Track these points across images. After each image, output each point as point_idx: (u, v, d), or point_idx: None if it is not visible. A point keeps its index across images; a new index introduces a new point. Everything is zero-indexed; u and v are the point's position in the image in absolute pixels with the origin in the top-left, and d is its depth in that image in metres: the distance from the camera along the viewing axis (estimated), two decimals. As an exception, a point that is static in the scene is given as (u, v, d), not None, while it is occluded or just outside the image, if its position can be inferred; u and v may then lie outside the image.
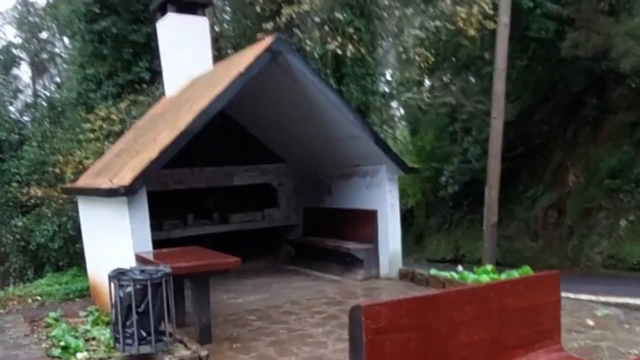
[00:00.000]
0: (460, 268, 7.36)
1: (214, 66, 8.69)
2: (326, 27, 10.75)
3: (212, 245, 9.45)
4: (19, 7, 30.97)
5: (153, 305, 4.25)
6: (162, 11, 9.27)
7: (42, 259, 17.29)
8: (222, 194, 9.56)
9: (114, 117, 12.55)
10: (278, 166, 9.74)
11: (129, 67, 15.83)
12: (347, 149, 7.87)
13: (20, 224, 15.83)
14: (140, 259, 5.57)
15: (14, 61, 28.53)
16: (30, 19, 28.91)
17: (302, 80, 6.82)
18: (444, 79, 13.15)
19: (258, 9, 11.56)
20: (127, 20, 15.76)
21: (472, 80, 13.86)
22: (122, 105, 13.28)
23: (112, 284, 4.23)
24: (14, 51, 28.02)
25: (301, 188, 9.73)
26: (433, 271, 7.52)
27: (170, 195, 8.88)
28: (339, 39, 10.41)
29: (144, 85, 14.44)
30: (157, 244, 6.15)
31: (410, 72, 12.22)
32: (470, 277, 7.08)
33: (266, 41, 6.58)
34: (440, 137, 25.07)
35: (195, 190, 9.17)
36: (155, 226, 7.08)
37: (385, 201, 7.75)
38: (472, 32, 13.73)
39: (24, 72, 30.56)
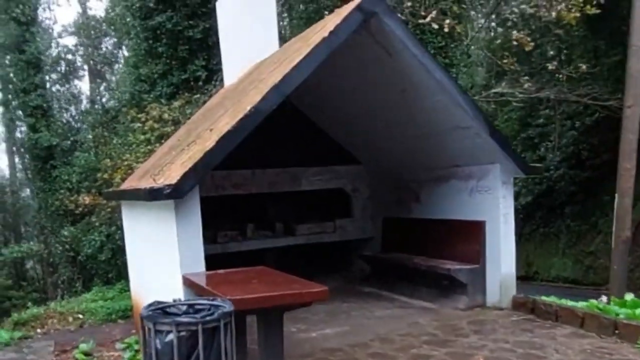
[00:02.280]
0: (604, 298, 5.58)
1: (282, 47, 7.28)
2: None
3: (274, 260, 8.17)
4: (79, 17, 31.03)
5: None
6: (223, -12, 7.99)
7: (90, 270, 16.48)
8: (287, 200, 8.11)
9: (166, 116, 11.37)
10: (353, 168, 8.20)
11: (184, 65, 14.81)
12: (447, 144, 6.26)
13: (67, 233, 14.91)
14: (189, 283, 4.14)
15: (73, 70, 28.48)
16: (92, 31, 28.87)
17: (400, 53, 5.28)
18: (549, 66, 11.33)
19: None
20: (184, 15, 14.76)
21: (583, 67, 11.88)
22: (176, 104, 12.12)
23: (146, 328, 2.78)
24: (71, 58, 27.87)
25: (380, 194, 8.15)
26: (564, 301, 5.77)
27: (226, 202, 7.49)
28: (434, 11, 8.80)
29: (200, 84, 13.31)
30: (209, 259, 4.73)
31: (501, 62, 10.52)
32: (621, 310, 5.31)
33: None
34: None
35: (255, 196, 7.75)
36: (208, 238, 5.70)
37: (496, 210, 6.07)
38: (571, 16, 11.93)
39: (83, 81, 30.57)
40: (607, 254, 18.78)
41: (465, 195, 6.50)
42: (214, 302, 3.00)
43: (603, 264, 18.72)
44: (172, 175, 4.64)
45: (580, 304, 5.57)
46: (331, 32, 4.74)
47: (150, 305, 2.92)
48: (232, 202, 7.58)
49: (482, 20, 10.89)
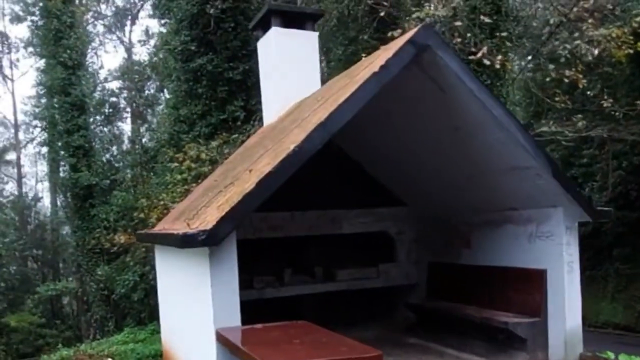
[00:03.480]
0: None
1: (325, 85, 7.01)
2: (468, 34, 8.84)
3: (312, 307, 7.71)
4: (125, 62, 32.00)
5: None
6: (265, 27, 7.84)
7: (123, 310, 16.27)
8: (327, 244, 7.68)
9: (204, 156, 11.20)
10: (397, 210, 7.75)
11: (223, 106, 14.79)
12: (502, 185, 5.79)
13: (100, 272, 14.79)
14: (223, 340, 3.74)
15: (116, 112, 29.20)
16: (135, 75, 29.73)
17: (454, 88, 4.91)
18: (605, 103, 10.77)
19: (382, 13, 9.78)
20: (224, 57, 14.82)
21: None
22: (214, 144, 11.97)
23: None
24: (115, 100, 28.57)
25: (426, 238, 7.66)
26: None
27: (263, 245, 7.13)
28: (485, 47, 8.43)
29: (238, 124, 13.19)
30: (244, 305, 4.32)
31: (552, 99, 10.03)
32: None
33: (408, 33, 4.75)
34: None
35: (294, 239, 7.37)
36: (244, 283, 5.30)
37: (559, 258, 5.52)
38: (621, 54, 11.44)
39: (126, 123, 31.28)
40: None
41: (523, 241, 5.97)
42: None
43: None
44: (207, 219, 4.31)
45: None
46: (382, 67, 4.41)
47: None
48: (269, 245, 7.22)
49: (529, 57, 10.49)
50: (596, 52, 11.23)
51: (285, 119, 6.61)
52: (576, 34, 10.77)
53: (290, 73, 7.42)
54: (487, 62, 8.53)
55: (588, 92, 14.86)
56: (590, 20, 11.34)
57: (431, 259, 7.54)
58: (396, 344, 7.01)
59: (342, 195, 7.50)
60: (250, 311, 4.46)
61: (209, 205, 4.86)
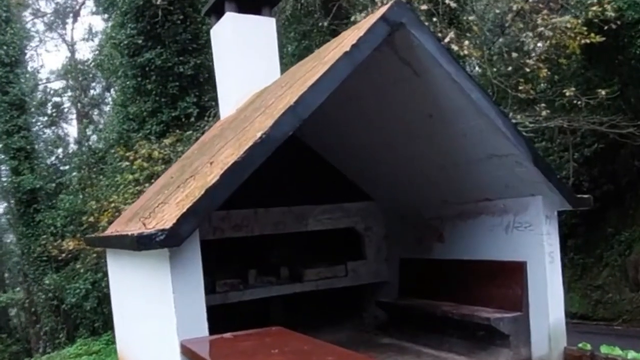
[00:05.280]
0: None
1: (288, 71, 6.59)
2: (434, 18, 8.57)
3: (280, 309, 7.29)
4: (68, 61, 30.60)
5: None
6: (218, 13, 7.34)
7: (75, 320, 15.40)
8: (292, 242, 7.27)
9: (156, 154, 10.58)
10: (365, 205, 7.40)
11: (174, 102, 14.14)
12: (477, 175, 5.51)
13: (49, 281, 13.93)
14: (188, 353, 3.28)
15: (60, 113, 27.90)
16: (79, 75, 28.45)
17: (429, 71, 4.58)
18: (567, 93, 10.74)
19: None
20: (173, 51, 14.18)
21: (603, 92, 11.33)
22: (167, 141, 11.36)
23: None
24: (58, 100, 27.29)
25: (396, 234, 7.35)
26: (631, 354, 4.94)
27: (225, 246, 6.64)
28: (452, 32, 8.17)
29: (192, 119, 12.60)
30: (207, 311, 3.86)
31: (515, 90, 9.92)
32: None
33: (380, 10, 4.38)
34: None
35: (258, 239, 6.91)
36: (206, 287, 4.82)
37: (539, 249, 5.29)
38: (575, 45, 11.49)
39: (71, 124, 29.93)
40: (615, 287, 18.13)
41: (499, 233, 5.72)
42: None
43: (612, 298, 18.01)
44: (165, 218, 3.83)
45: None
46: (354, 46, 4.03)
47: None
48: (231, 245, 6.74)
49: (489, 46, 10.41)
50: (541, 44, 11.22)
51: (246, 109, 6.15)
52: (529, 25, 10.74)
53: (248, 61, 6.96)
54: (455, 47, 8.30)
55: (542, 84, 14.99)
56: (544, 11, 11.36)
57: (402, 255, 7.22)
58: (370, 345, 6.68)
59: (307, 190, 7.10)
60: (214, 317, 4.00)
61: (166, 202, 4.36)
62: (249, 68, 6.94)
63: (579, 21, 11.36)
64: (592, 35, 11.67)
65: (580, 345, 5.49)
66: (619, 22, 12.17)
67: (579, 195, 5.28)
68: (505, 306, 5.55)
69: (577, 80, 15.96)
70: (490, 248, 5.83)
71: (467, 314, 5.65)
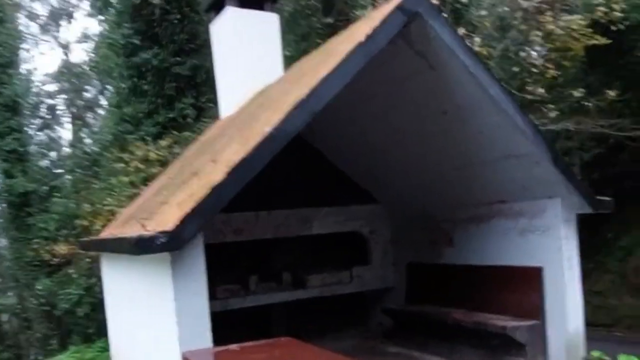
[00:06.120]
0: None
1: (293, 66, 6.33)
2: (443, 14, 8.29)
3: (282, 316, 7.02)
4: (62, 64, 30.22)
5: None
6: (218, 8, 7.07)
7: (68, 326, 15.01)
8: (296, 247, 7.01)
9: (153, 155, 10.28)
10: (371, 208, 7.14)
11: (171, 103, 13.80)
12: (492, 177, 5.26)
13: (40, 287, 13.56)
14: (193, 367, 2.99)
15: (54, 116, 27.54)
16: (74, 77, 28.07)
17: (445, 64, 4.33)
18: (576, 94, 10.53)
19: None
20: (170, 51, 13.83)
21: (611, 93, 11.11)
22: (164, 143, 11.06)
23: None
24: (52, 102, 26.94)
25: (403, 238, 7.09)
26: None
27: (226, 250, 6.37)
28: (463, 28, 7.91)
29: (189, 120, 12.31)
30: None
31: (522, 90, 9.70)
32: None
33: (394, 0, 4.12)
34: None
35: (259, 243, 6.64)
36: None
37: (557, 254, 5.03)
38: (579, 47, 11.28)
39: (66, 128, 29.53)
40: (615, 293, 17.95)
41: (513, 237, 5.47)
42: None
43: (612, 303, 17.82)
44: (166, 219, 3.56)
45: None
46: (369, 37, 3.78)
47: None
48: (232, 250, 6.47)
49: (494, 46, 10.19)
50: (547, 46, 11.01)
51: (248, 107, 5.88)
52: (537, 24, 10.51)
53: (250, 58, 6.69)
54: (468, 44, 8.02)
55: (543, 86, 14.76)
56: (549, 13, 11.14)
57: (410, 260, 6.97)
58: (376, 354, 6.42)
59: (310, 192, 6.84)
60: (213, 325, 3.72)
61: (166, 202, 4.08)
62: (250, 65, 6.67)
63: (584, 22, 11.15)
64: (597, 37, 11.46)
65: (597, 354, 5.25)
66: (626, 23, 11.95)
67: (599, 198, 5.02)
68: (520, 314, 5.29)
69: (578, 84, 15.80)
70: (503, 253, 5.58)
71: (480, 322, 5.38)
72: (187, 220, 3.17)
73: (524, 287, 5.32)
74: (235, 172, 3.31)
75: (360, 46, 3.74)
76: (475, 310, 5.72)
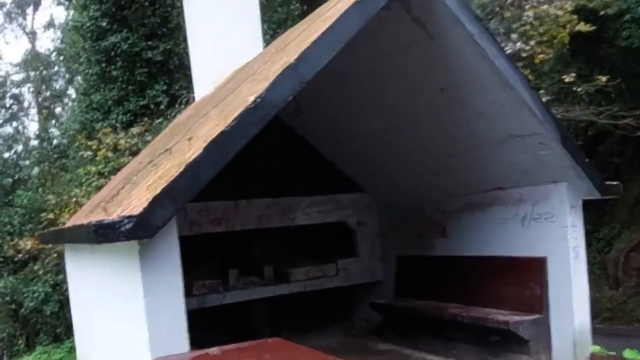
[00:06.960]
0: None
1: (275, 41, 5.85)
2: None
3: (264, 313, 6.56)
4: (28, 53, 29.13)
5: None
6: (192, -20, 6.56)
7: (35, 325, 14.31)
8: (278, 238, 6.54)
9: (123, 143, 9.69)
10: (358, 197, 6.72)
11: (142, 90, 13.20)
12: (492, 160, 4.87)
13: (2, 284, 12.88)
14: (166, 377, 2.51)
15: (20, 108, 26.55)
16: (40, 65, 27.07)
17: (446, 33, 3.91)
18: (567, 79, 10.28)
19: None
20: (141, 35, 13.22)
21: (603, 79, 10.89)
22: (134, 131, 10.47)
23: None
24: (17, 92, 25.92)
25: (392, 229, 6.68)
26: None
27: (202, 243, 5.86)
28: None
29: (162, 107, 11.73)
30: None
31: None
32: None
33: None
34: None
35: (239, 234, 6.16)
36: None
37: (562, 243, 4.66)
38: (564, 35, 11.07)
39: (33, 120, 28.49)
40: (595, 285, 17.92)
41: (513, 226, 5.09)
42: None
43: (592, 296, 17.81)
44: (133, 203, 3.07)
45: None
46: (363, -5, 3.31)
47: None
48: (210, 242, 5.97)
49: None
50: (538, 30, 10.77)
51: (228, 83, 5.39)
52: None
53: (227, 33, 6.20)
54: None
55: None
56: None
57: (399, 253, 6.55)
58: (366, 352, 6.00)
59: (294, 180, 6.39)
60: (190, 325, 3.26)
61: (135, 185, 3.58)
62: (228, 41, 6.19)
63: (569, 8, 10.94)
64: (582, 24, 11.27)
65: (598, 348, 4.93)
66: (608, 11, 11.79)
67: (607, 182, 4.66)
68: (521, 308, 4.92)
69: (562, 71, 15.64)
70: (502, 243, 5.20)
71: (479, 317, 5.00)
72: (156, 203, 2.69)
73: (525, 279, 4.95)
74: (214, 146, 2.84)
75: (357, 4, 3.28)
76: (469, 304, 5.34)
